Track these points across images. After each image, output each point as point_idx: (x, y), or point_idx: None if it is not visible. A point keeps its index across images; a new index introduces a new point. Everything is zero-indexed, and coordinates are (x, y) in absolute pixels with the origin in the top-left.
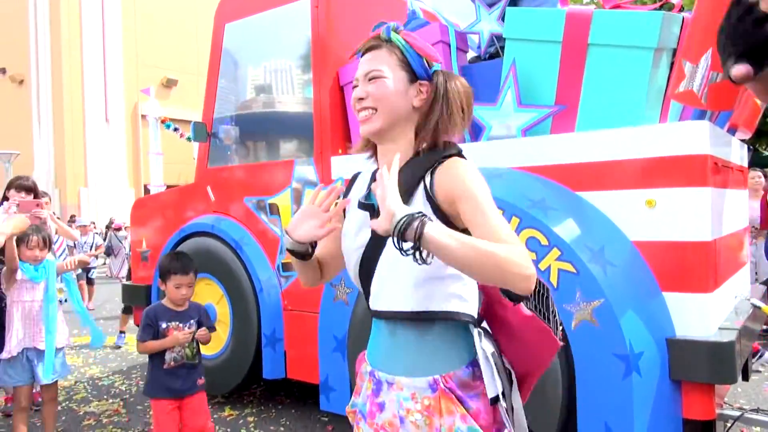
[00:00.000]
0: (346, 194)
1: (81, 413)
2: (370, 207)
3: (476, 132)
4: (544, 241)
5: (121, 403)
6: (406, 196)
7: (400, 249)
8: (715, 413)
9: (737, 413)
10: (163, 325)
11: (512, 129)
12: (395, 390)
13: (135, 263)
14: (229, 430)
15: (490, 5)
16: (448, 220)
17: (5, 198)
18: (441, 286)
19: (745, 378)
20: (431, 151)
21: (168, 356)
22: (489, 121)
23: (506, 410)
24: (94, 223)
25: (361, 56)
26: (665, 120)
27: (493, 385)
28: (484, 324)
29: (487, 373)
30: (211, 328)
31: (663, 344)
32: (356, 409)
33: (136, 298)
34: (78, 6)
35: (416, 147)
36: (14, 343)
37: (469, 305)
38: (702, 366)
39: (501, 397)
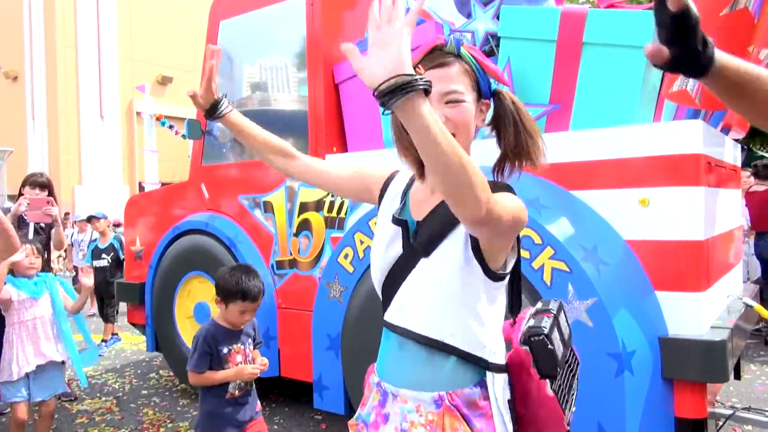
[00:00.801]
0: (381, 195)
1: (73, 411)
2: (403, 223)
3: None
4: (537, 240)
5: (114, 401)
6: (439, 236)
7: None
8: (707, 412)
9: (729, 412)
10: (224, 350)
11: None
12: (400, 402)
13: (129, 261)
14: None
15: (485, 4)
16: (485, 263)
17: (20, 194)
18: (465, 329)
19: (737, 377)
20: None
21: (231, 386)
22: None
23: None
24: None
25: (426, 70)
26: (659, 119)
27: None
28: (505, 376)
29: (498, 418)
30: (259, 344)
31: (655, 343)
32: (359, 421)
33: (130, 296)
34: (73, 2)
35: (505, 169)
36: (15, 369)
37: (489, 352)
38: (694, 364)
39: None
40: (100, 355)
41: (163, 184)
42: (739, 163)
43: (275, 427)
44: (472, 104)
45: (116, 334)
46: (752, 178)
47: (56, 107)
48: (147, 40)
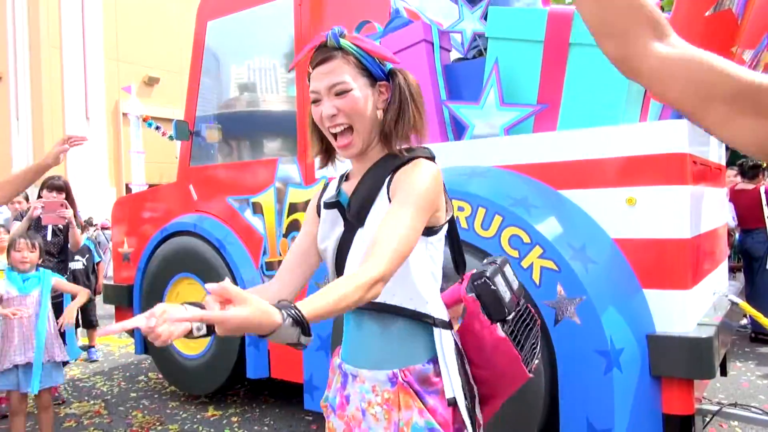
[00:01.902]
0: (320, 199)
1: (62, 415)
2: (337, 204)
3: (459, 131)
4: (526, 239)
5: (103, 405)
6: (368, 201)
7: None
8: (694, 408)
9: (716, 408)
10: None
11: (495, 128)
12: (359, 382)
13: (117, 263)
14: (212, 430)
15: (473, 4)
16: None
17: (39, 197)
18: (405, 284)
19: (723, 373)
20: (402, 152)
21: None
22: (472, 120)
23: (468, 411)
24: (88, 222)
25: (313, 69)
26: (645, 119)
27: (450, 386)
28: (454, 333)
29: (444, 371)
30: None
31: (643, 340)
32: (327, 403)
33: (119, 298)
34: (57, 2)
35: (387, 149)
36: (10, 356)
37: (432, 306)
38: (681, 362)
39: (461, 399)
40: (93, 360)
41: (150, 186)
42: (723, 162)
43: (265, 428)
44: (362, 90)
45: (94, 346)
46: (738, 177)
47: (41, 108)
48: (133, 40)
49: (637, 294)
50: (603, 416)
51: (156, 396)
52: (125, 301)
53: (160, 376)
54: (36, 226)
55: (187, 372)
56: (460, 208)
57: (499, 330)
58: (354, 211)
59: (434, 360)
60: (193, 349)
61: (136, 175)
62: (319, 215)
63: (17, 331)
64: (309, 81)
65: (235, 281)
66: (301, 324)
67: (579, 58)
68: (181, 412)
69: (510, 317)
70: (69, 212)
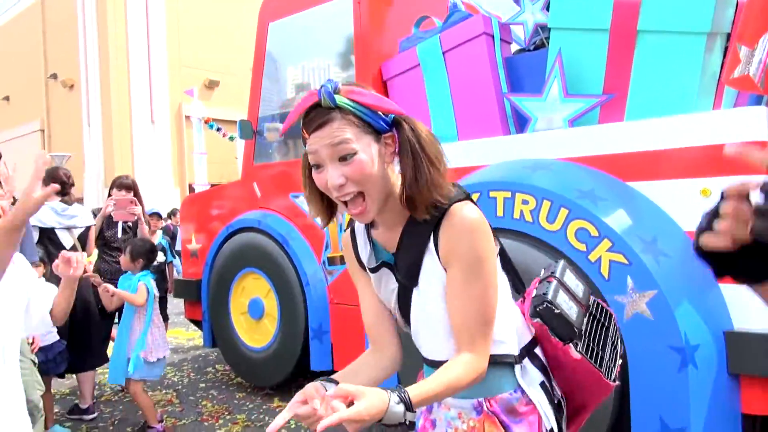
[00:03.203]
0: (356, 254)
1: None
2: (383, 264)
3: (521, 124)
4: (594, 232)
5: (174, 394)
6: (416, 264)
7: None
8: None
9: None
10: None
11: (558, 120)
12: (443, 409)
13: (185, 259)
14: None
15: None
16: None
17: (109, 196)
18: None
19: None
20: (431, 208)
21: None
22: (534, 113)
23: None
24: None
25: (309, 134)
26: (719, 107)
27: (546, 418)
28: (537, 350)
29: (538, 406)
30: None
31: (720, 337)
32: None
33: (188, 292)
34: (123, 13)
35: (417, 208)
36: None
37: (508, 346)
38: (762, 359)
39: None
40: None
41: (211, 186)
42: None
43: None
44: (368, 149)
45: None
46: None
47: (110, 113)
48: (194, 46)
49: (713, 289)
50: (677, 414)
51: (224, 387)
52: (194, 295)
53: (228, 367)
54: (107, 223)
55: (253, 364)
56: (525, 201)
57: (573, 351)
58: (404, 274)
59: (521, 389)
60: (258, 342)
61: (198, 175)
62: (362, 267)
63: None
64: (305, 145)
65: (298, 275)
66: (404, 401)
67: (647, 46)
68: (247, 403)
69: (583, 328)
70: (138, 209)
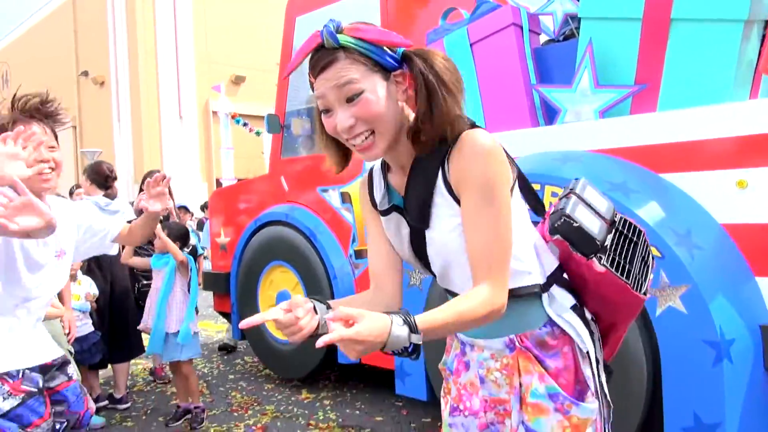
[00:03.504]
0: (371, 196)
1: (168, 393)
2: (394, 208)
3: (551, 115)
4: None
5: (205, 385)
6: (426, 202)
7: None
8: None
9: None
10: None
11: (589, 111)
12: (477, 351)
13: (214, 252)
14: (306, 411)
15: None
16: None
17: (140, 190)
18: None
19: None
20: (441, 142)
21: None
22: (564, 104)
23: (594, 367)
24: (191, 214)
25: (315, 77)
26: (756, 96)
27: (581, 339)
28: (564, 274)
29: (571, 330)
30: None
31: (757, 331)
32: (445, 367)
33: (217, 285)
34: (152, 11)
35: (422, 143)
36: (147, 320)
37: (533, 276)
38: None
39: (592, 351)
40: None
41: (238, 180)
42: None
43: (357, 412)
44: (377, 88)
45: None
46: None
47: (139, 109)
48: (220, 42)
49: (749, 282)
50: (712, 410)
51: (252, 378)
52: (223, 288)
53: (256, 359)
54: (138, 216)
55: (281, 356)
56: (554, 194)
57: (597, 264)
58: (415, 215)
59: (551, 322)
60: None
61: (225, 170)
62: (375, 210)
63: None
64: (312, 90)
65: (325, 269)
66: (408, 323)
67: (682, 35)
68: (276, 394)
69: (607, 243)
70: (170, 203)
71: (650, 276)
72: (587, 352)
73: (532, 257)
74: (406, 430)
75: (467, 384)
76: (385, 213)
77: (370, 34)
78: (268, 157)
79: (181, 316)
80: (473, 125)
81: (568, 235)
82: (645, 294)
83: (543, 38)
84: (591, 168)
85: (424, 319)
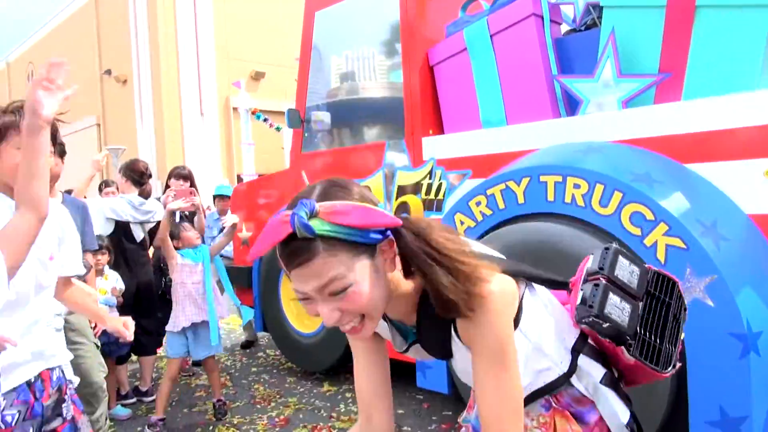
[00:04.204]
0: None
1: (192, 386)
2: (413, 343)
3: (572, 107)
4: (649, 216)
5: (228, 377)
6: (445, 350)
7: None
8: None
9: None
10: None
11: (612, 101)
12: None
13: (237, 247)
14: (328, 404)
15: None
16: None
17: (167, 186)
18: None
19: None
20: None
21: None
22: (586, 95)
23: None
24: (209, 207)
25: (289, 270)
26: None
27: (622, 410)
28: (589, 340)
29: (606, 407)
30: None
31: None
32: (469, 423)
33: (239, 279)
34: (173, 9)
35: (452, 314)
36: (181, 318)
37: (555, 370)
38: None
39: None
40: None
41: (259, 175)
42: None
43: None
44: (364, 272)
45: None
46: None
47: (161, 106)
48: (240, 38)
49: None
50: (738, 403)
51: (275, 371)
52: (245, 282)
53: (279, 353)
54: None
55: (303, 349)
56: (576, 185)
57: (626, 355)
58: (435, 353)
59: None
60: (308, 327)
61: (246, 166)
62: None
63: (183, 294)
64: (287, 275)
65: None
66: None
67: (707, 22)
68: (298, 387)
69: (637, 327)
70: (197, 199)
71: (682, 336)
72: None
73: (556, 351)
74: (428, 424)
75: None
76: (404, 352)
77: (352, 219)
78: (288, 152)
79: (224, 304)
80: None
81: (599, 332)
82: (674, 368)
83: (564, 28)
84: (614, 158)
85: None
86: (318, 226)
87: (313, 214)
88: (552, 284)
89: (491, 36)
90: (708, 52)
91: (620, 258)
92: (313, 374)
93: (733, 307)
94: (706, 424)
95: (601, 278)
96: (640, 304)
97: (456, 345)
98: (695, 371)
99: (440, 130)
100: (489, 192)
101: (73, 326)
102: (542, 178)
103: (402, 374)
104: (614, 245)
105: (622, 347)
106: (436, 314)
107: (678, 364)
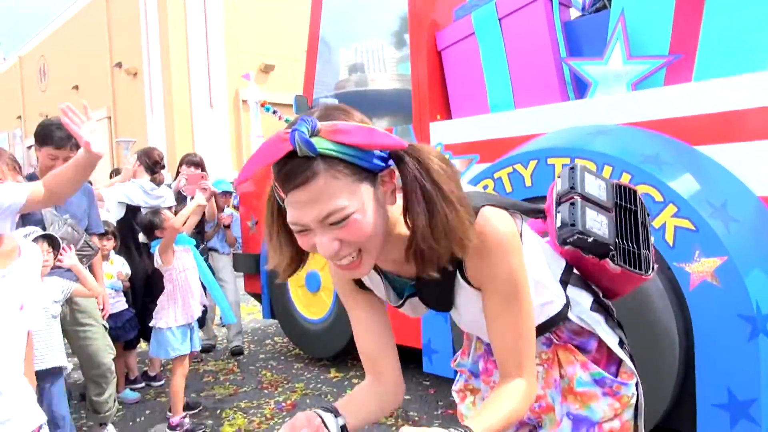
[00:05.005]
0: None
1: (200, 371)
2: (411, 296)
3: (581, 90)
4: (658, 198)
5: (235, 363)
6: (447, 296)
7: None
8: None
9: None
10: None
11: (621, 83)
12: None
13: (245, 234)
14: (335, 390)
15: None
16: None
17: (178, 172)
18: None
19: None
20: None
21: None
22: (595, 77)
23: (623, 347)
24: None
25: (286, 193)
26: None
27: (612, 337)
28: (574, 269)
29: (601, 331)
30: None
31: None
32: (465, 368)
33: (246, 266)
34: (183, 2)
35: (428, 266)
36: (189, 311)
37: (556, 304)
38: None
39: (621, 341)
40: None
41: None
42: None
43: None
44: (365, 201)
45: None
46: None
47: (171, 99)
48: (250, 30)
49: None
50: (747, 385)
51: (282, 358)
52: (253, 269)
53: (286, 339)
54: (178, 197)
55: (310, 336)
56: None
57: (611, 265)
58: (435, 305)
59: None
60: (316, 314)
61: None
62: (359, 287)
63: (181, 286)
64: (281, 202)
65: None
66: None
67: (719, 1)
68: (305, 373)
69: (615, 236)
70: (209, 184)
71: (651, 239)
72: (619, 341)
73: (553, 283)
74: (434, 408)
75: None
76: (399, 306)
77: (356, 137)
78: None
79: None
80: (478, 208)
81: (583, 248)
82: (652, 271)
83: (574, 13)
84: (623, 140)
85: (484, 430)
86: (320, 143)
87: (314, 132)
88: (530, 214)
89: (500, 19)
90: (720, 32)
91: (587, 174)
92: (321, 361)
93: (742, 289)
94: (714, 407)
95: (575, 197)
96: (612, 215)
97: (463, 290)
98: (703, 353)
99: (448, 115)
100: (496, 175)
101: (81, 308)
102: (550, 161)
103: (408, 360)
104: (578, 164)
105: (607, 260)
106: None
107: (656, 266)
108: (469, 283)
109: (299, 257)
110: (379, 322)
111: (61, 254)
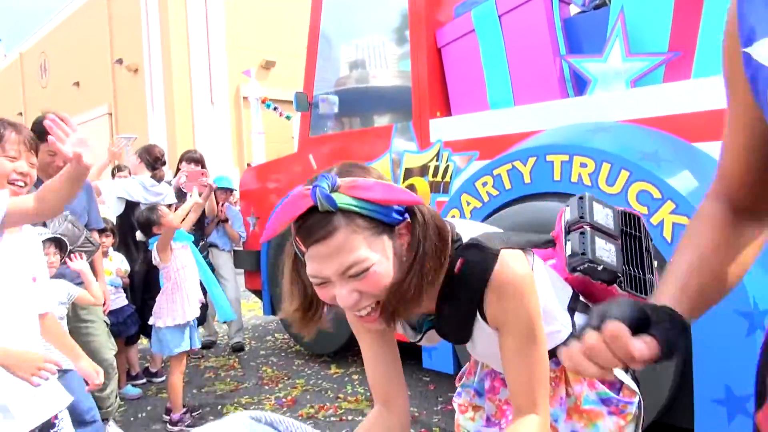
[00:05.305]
0: None
1: (201, 367)
2: (428, 330)
3: (581, 87)
4: (656, 194)
5: (236, 359)
6: (465, 332)
7: None
8: None
9: None
10: None
11: (620, 80)
12: None
13: (246, 230)
14: (335, 385)
15: None
16: None
17: (178, 169)
18: None
19: None
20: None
21: None
22: (594, 74)
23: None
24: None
25: (307, 248)
26: None
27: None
28: (581, 299)
29: None
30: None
31: None
32: (470, 388)
33: (247, 263)
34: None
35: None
36: (188, 309)
37: (565, 330)
38: None
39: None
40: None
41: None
42: None
43: None
44: (384, 253)
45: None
46: None
47: (172, 95)
48: (250, 27)
49: None
50: (744, 382)
51: (283, 354)
52: (254, 265)
53: (287, 336)
54: (178, 194)
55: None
56: (583, 164)
57: (619, 290)
58: (453, 340)
59: None
60: None
61: (257, 155)
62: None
63: (181, 283)
64: (301, 257)
65: None
66: None
67: None
68: (306, 369)
69: (623, 264)
70: (209, 180)
71: (654, 264)
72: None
73: (561, 313)
74: (434, 404)
75: (506, 400)
76: (415, 344)
77: (375, 194)
78: (297, 139)
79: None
80: (497, 252)
81: (593, 276)
82: (653, 291)
83: (574, 10)
84: (621, 137)
85: None
86: (340, 199)
87: (334, 188)
88: (540, 246)
89: (499, 16)
90: (719, 30)
91: (595, 204)
92: (321, 357)
93: (739, 285)
94: (712, 403)
95: (584, 226)
96: (619, 243)
97: (480, 328)
98: (701, 349)
99: (448, 112)
100: (495, 172)
101: (84, 304)
102: (549, 158)
103: (408, 356)
104: (587, 194)
105: (615, 286)
106: (458, 298)
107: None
108: (486, 321)
109: (311, 308)
110: (390, 352)
111: (71, 259)
